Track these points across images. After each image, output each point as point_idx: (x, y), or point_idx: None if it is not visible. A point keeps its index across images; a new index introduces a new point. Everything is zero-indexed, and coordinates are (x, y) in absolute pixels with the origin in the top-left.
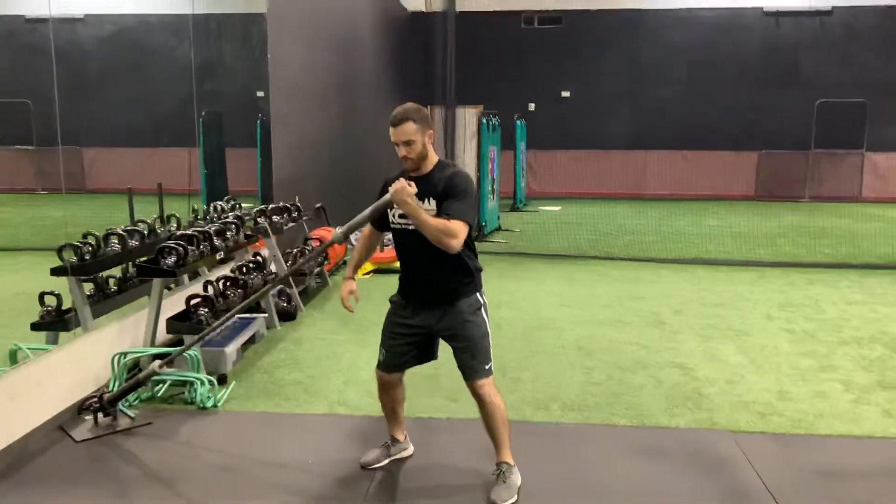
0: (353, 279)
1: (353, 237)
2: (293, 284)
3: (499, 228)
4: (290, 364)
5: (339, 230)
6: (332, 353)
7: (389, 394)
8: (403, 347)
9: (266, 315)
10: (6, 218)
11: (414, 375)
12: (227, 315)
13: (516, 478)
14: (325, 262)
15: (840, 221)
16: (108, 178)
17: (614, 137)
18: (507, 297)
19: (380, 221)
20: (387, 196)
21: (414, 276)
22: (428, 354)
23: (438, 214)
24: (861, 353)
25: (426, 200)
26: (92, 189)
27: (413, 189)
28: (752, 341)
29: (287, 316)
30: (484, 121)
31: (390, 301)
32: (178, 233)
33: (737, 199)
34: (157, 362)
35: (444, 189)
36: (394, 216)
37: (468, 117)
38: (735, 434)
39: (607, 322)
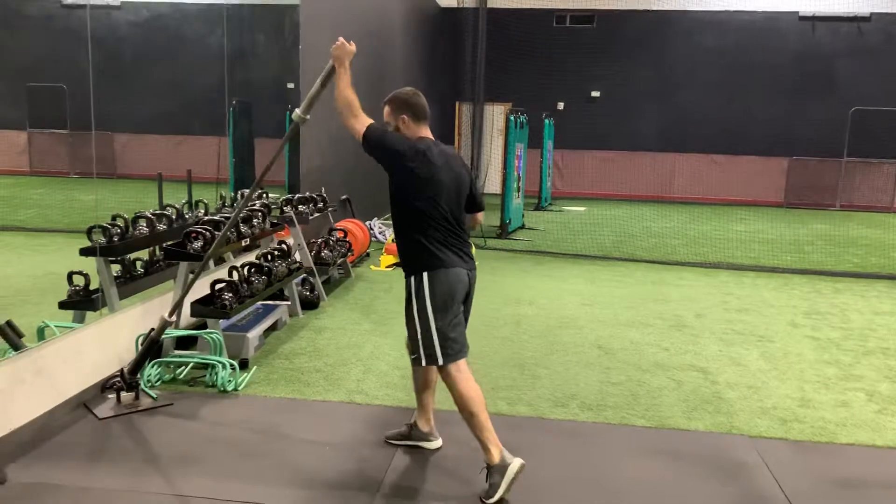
0: None
1: (377, 231)
2: (316, 274)
3: (522, 226)
4: (311, 352)
5: (297, 110)
6: (352, 343)
7: (414, 371)
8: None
9: (289, 303)
10: (38, 199)
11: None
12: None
13: (498, 478)
14: (349, 254)
15: (871, 231)
16: (139, 164)
17: (643, 139)
18: (528, 295)
19: None
20: (330, 61)
21: None
22: None
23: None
24: (887, 363)
25: None
26: (123, 174)
27: (352, 47)
28: (775, 347)
29: (309, 305)
30: (512, 118)
31: None
32: (206, 218)
33: (765, 205)
34: (165, 314)
35: None
36: None
37: (496, 114)
38: (754, 440)
39: (629, 323)
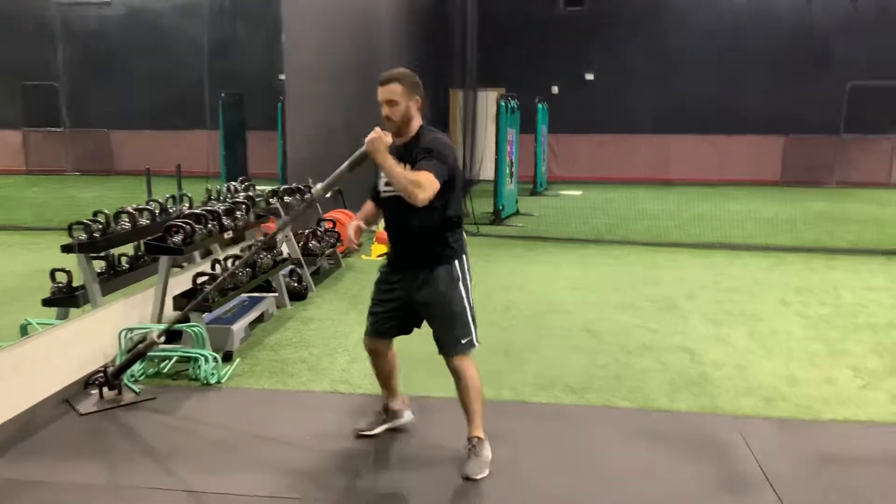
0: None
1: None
2: (304, 265)
3: (517, 212)
4: (297, 342)
5: (318, 186)
6: (339, 333)
7: (379, 362)
8: (386, 315)
9: (276, 294)
10: (34, 198)
11: (415, 355)
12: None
13: (487, 452)
14: (338, 244)
15: (867, 207)
16: (136, 160)
17: (639, 121)
18: (518, 281)
19: (375, 192)
20: (362, 148)
21: (397, 242)
22: (410, 324)
23: None
24: (875, 338)
25: (405, 167)
26: (120, 171)
27: (388, 139)
28: (763, 326)
29: (298, 296)
30: (502, 103)
31: (379, 270)
32: (187, 211)
33: (762, 184)
34: (156, 332)
35: (421, 151)
36: (380, 184)
37: (490, 100)
38: (738, 419)
39: (618, 306)
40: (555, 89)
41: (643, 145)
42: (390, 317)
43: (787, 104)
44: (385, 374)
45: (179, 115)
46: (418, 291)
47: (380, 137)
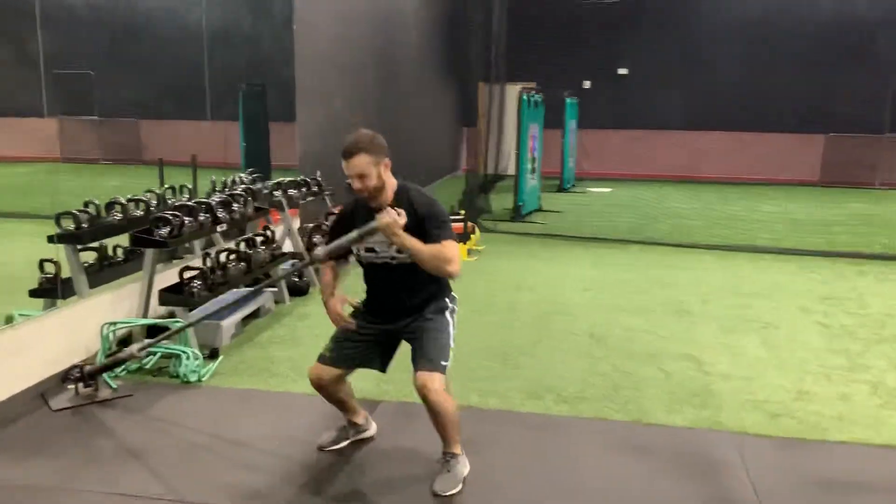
0: (335, 294)
1: None
2: (308, 259)
3: (539, 209)
4: (288, 340)
5: (320, 249)
6: (333, 331)
7: (329, 392)
8: (354, 343)
9: (276, 289)
10: (56, 185)
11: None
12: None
13: (462, 468)
14: None
15: None
16: (163, 150)
17: (672, 117)
18: (528, 280)
19: (339, 256)
20: (373, 224)
21: (385, 301)
22: (379, 360)
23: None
24: None
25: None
26: (148, 160)
27: (403, 219)
28: (779, 335)
29: (298, 291)
30: (525, 97)
31: (353, 307)
32: (177, 203)
33: (800, 184)
34: (136, 347)
35: (421, 219)
36: (359, 250)
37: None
38: (738, 436)
39: (628, 309)
40: (587, 84)
41: (676, 142)
42: (358, 348)
43: (827, 101)
44: (339, 401)
45: (206, 105)
46: (405, 328)
47: (395, 221)
